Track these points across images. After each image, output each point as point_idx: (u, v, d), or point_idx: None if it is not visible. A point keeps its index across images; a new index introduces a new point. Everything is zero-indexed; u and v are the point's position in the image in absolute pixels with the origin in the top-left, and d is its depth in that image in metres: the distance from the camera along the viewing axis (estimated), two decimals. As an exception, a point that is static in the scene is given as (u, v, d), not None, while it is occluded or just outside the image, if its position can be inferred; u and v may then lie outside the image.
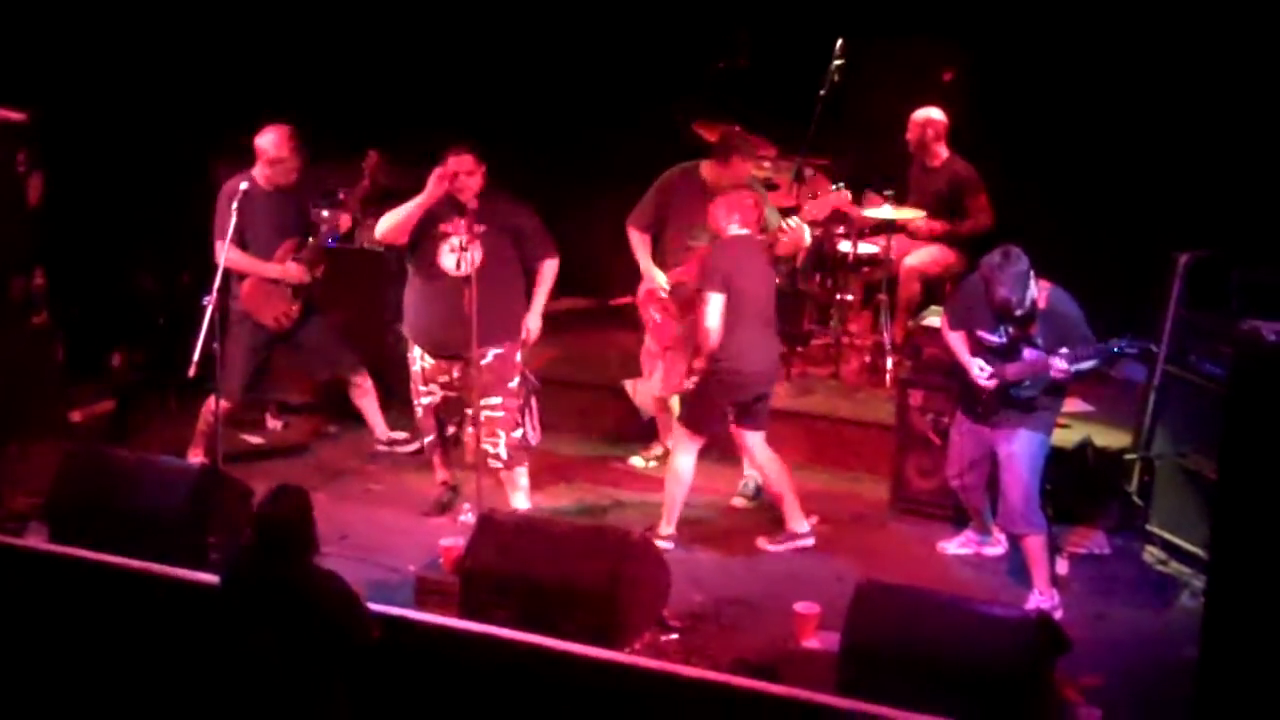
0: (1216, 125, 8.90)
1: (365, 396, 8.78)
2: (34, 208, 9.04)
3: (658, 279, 8.35)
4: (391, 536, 7.82)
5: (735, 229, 7.67)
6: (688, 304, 8.17)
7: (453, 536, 7.20)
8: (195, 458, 8.23)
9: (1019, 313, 6.95)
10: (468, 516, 7.51)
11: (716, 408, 7.75)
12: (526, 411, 7.91)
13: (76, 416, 9.03)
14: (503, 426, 7.79)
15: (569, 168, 10.33)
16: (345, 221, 8.52)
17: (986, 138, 9.53)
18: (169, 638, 6.25)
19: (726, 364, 7.59)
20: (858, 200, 9.30)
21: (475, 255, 7.57)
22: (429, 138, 8.04)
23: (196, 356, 7.55)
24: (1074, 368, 6.98)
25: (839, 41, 9.16)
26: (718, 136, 8.72)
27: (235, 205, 7.92)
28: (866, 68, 9.54)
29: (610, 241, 9.11)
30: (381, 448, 8.85)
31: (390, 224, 7.73)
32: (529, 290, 7.94)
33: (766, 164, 9.53)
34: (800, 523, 7.80)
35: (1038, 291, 6.98)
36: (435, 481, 8.23)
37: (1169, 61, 9.04)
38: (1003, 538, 7.71)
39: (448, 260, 7.67)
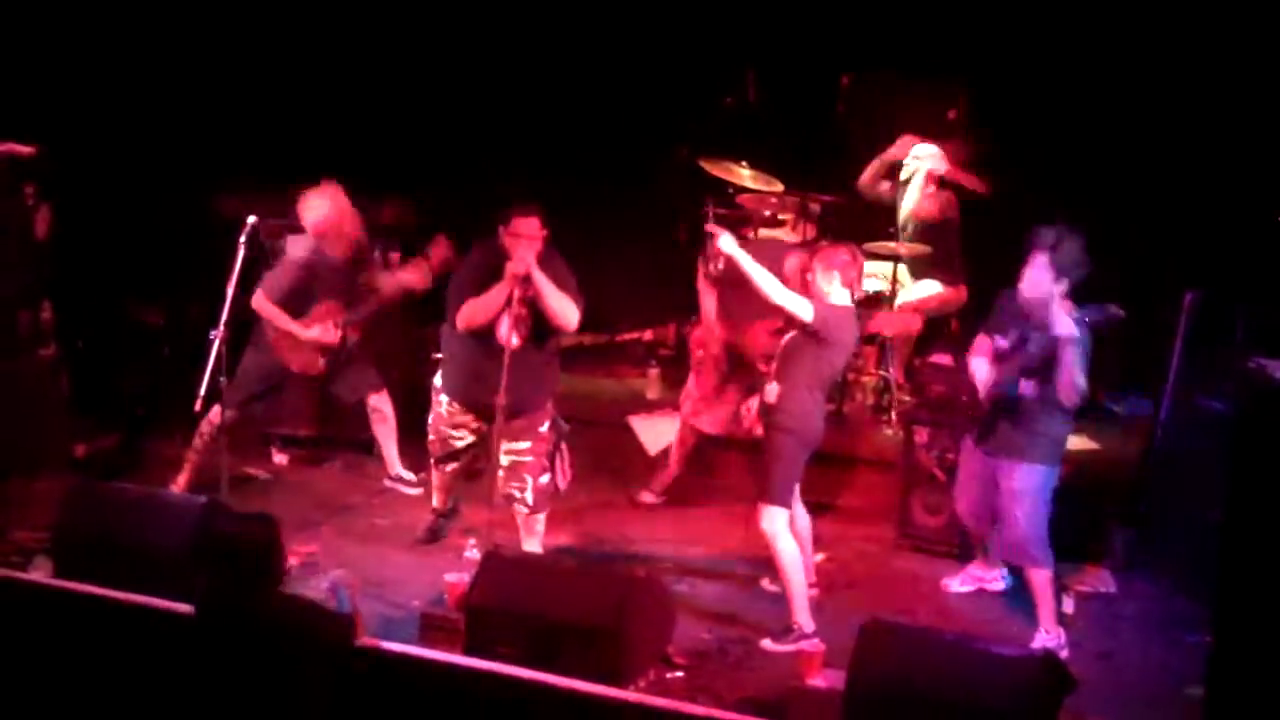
0: (1222, 162, 8.93)
1: (384, 423, 8.71)
2: (42, 241, 9.08)
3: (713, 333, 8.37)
4: (396, 572, 7.79)
5: (837, 295, 7.17)
6: (737, 368, 8.31)
7: (458, 573, 7.18)
8: (178, 487, 8.22)
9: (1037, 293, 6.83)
10: (473, 553, 7.49)
11: (799, 468, 7.32)
12: (557, 457, 7.78)
13: (81, 450, 9.00)
14: (530, 472, 7.65)
15: (575, 200, 10.31)
16: (417, 278, 8.35)
17: (989, 174, 9.51)
18: (173, 674, 6.23)
19: (801, 422, 7.20)
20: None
21: (526, 325, 7.45)
22: (439, 177, 7.98)
23: (203, 391, 7.52)
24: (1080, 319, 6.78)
25: (844, 79, 9.17)
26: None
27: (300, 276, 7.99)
28: (872, 104, 9.57)
29: (617, 275, 9.08)
30: (388, 483, 8.83)
31: (475, 315, 7.49)
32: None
33: (773, 199, 9.57)
34: (806, 617, 7.25)
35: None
36: (430, 508, 8.19)
37: (1175, 98, 9.09)
38: (1005, 574, 7.71)
39: (504, 327, 7.44)
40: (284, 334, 8.32)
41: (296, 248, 8.32)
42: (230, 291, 7.77)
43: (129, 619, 6.39)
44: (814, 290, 7.18)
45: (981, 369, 7.23)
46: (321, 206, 8.25)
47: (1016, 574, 7.49)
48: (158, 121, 9.93)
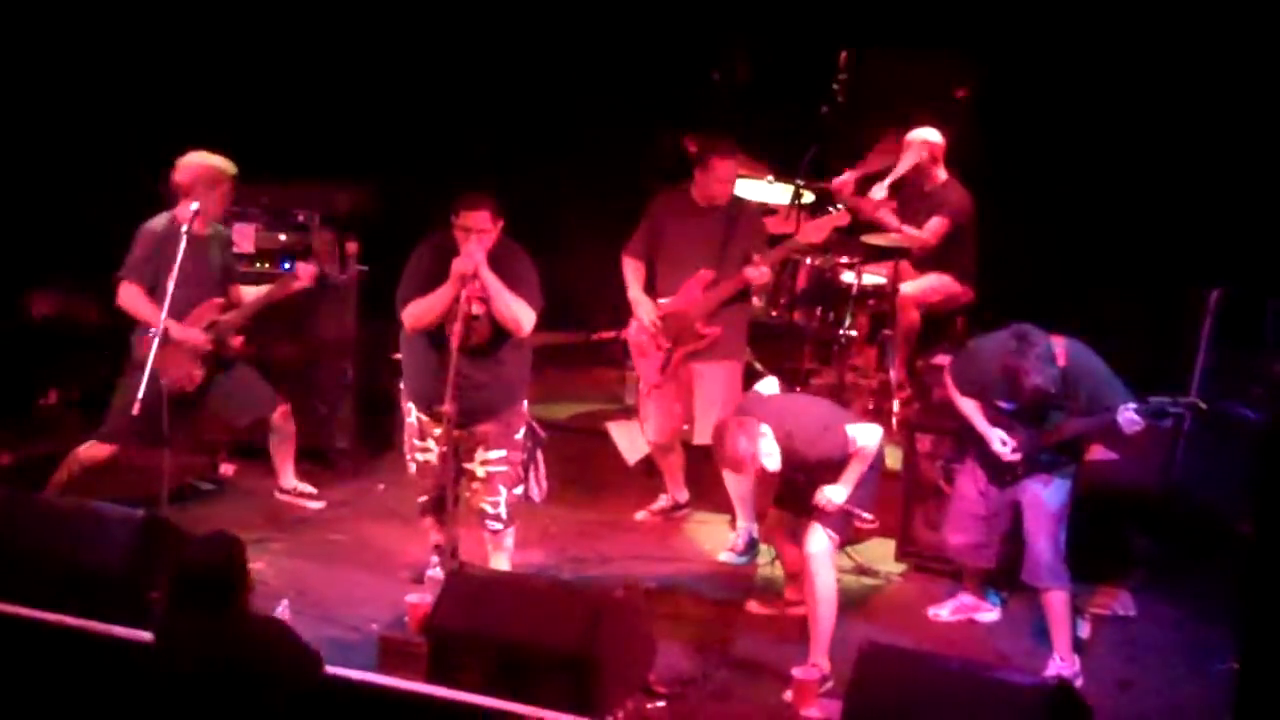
0: (1250, 146, 8.93)
1: (285, 442, 8.65)
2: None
3: (643, 309, 8.35)
4: (353, 592, 7.77)
5: None
6: (679, 336, 8.22)
7: (419, 593, 7.16)
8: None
9: (1054, 391, 6.90)
10: (436, 571, 7.47)
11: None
12: (531, 466, 7.72)
13: (7, 458, 8.95)
14: (504, 482, 7.59)
15: (549, 190, 10.32)
16: (305, 274, 8.35)
17: (998, 160, 9.55)
18: (107, 701, 6.21)
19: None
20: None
21: (485, 324, 7.35)
22: (398, 161, 7.93)
23: (140, 394, 7.48)
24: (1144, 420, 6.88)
25: (843, 54, 9.17)
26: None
27: (156, 248, 7.83)
28: (872, 83, 9.56)
29: (594, 270, 9.04)
30: (283, 496, 8.77)
31: (421, 316, 7.41)
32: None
33: (769, 179, 9.55)
34: (826, 659, 7.16)
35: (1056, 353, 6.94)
36: (428, 544, 7.92)
37: (1195, 87, 9.11)
38: (997, 603, 7.75)
39: (452, 327, 7.32)
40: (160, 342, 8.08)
41: (160, 220, 8.15)
42: (171, 284, 7.75)
43: (58, 643, 6.36)
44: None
45: (994, 436, 7.22)
46: (196, 159, 8.17)
47: (1006, 602, 7.55)
48: (92, 95, 9.89)
